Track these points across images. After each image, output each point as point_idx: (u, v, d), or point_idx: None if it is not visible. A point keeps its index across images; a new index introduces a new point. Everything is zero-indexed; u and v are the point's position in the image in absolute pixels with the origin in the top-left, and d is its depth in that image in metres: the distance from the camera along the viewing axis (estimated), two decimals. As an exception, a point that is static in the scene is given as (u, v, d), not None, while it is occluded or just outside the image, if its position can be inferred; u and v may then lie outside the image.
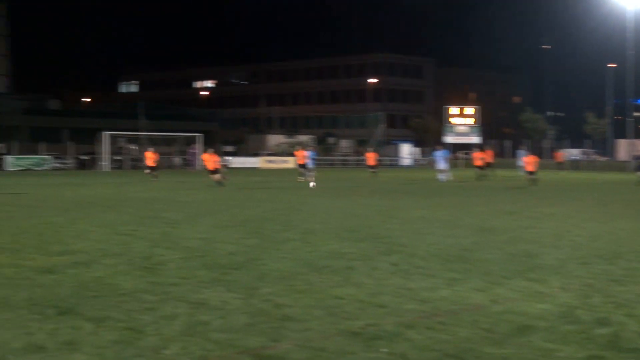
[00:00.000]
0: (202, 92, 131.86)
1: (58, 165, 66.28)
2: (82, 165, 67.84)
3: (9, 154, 67.89)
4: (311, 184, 33.78)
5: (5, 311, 8.21)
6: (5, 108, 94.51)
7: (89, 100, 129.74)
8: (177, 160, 72.97)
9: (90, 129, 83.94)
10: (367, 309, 8.50)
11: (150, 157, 40.93)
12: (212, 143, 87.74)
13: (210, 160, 35.25)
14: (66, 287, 9.56)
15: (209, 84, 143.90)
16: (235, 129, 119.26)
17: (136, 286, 9.65)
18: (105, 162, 65.48)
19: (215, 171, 34.65)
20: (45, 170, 62.50)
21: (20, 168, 62.96)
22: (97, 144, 69.08)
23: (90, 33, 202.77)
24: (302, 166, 41.20)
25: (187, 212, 20.84)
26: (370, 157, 48.97)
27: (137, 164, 70.48)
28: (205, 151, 35.74)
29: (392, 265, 11.42)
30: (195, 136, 70.73)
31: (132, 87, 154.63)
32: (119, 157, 70.69)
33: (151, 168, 40.73)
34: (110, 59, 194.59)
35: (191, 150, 68.16)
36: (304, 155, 41.53)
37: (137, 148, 76.45)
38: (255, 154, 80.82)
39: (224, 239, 14.48)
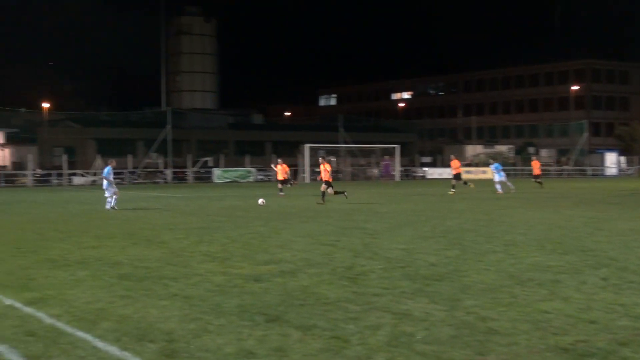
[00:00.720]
0: (399, 104, 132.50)
1: (261, 177, 68.70)
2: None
3: (217, 166, 71.27)
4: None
5: (218, 317, 8.56)
6: (213, 123, 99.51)
7: (290, 114, 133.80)
8: (375, 171, 73.77)
9: (292, 142, 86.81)
10: (577, 324, 8.16)
11: (279, 171, 38.97)
12: (409, 154, 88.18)
13: (325, 170, 31.85)
14: (273, 295, 9.84)
15: (406, 95, 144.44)
16: (432, 139, 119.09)
17: (340, 296, 9.78)
18: (305, 174, 67.16)
19: (329, 183, 31.40)
20: (250, 182, 64.90)
21: (227, 180, 65.86)
22: (298, 156, 71.05)
23: (291, 50, 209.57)
24: (457, 177, 40.02)
25: (387, 222, 20.95)
26: (535, 166, 47.39)
27: (336, 175, 71.94)
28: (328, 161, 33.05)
29: (602, 280, 10.91)
30: (393, 147, 71.21)
31: (332, 101, 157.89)
32: (319, 169, 72.33)
33: (282, 182, 38.75)
34: (310, 74, 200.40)
35: (384, 162, 68.61)
36: (458, 166, 40.40)
37: (336, 160, 78.02)
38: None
39: (424, 250, 14.42)
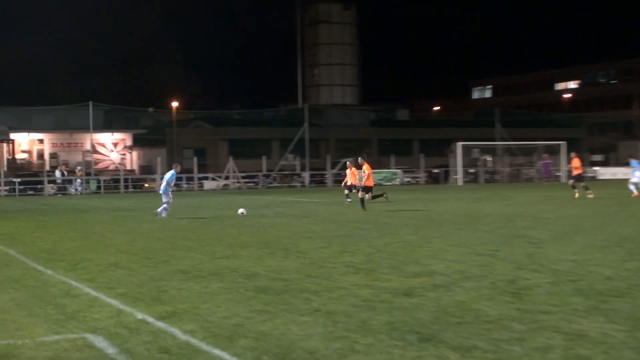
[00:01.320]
0: (564, 95, 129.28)
1: (408, 179, 68.40)
2: (433, 179, 69.50)
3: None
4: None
5: (365, 335, 8.56)
6: (354, 120, 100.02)
7: (439, 108, 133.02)
8: (537, 171, 72.21)
9: (441, 140, 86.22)
10: None
11: (349, 175, 37.14)
12: (578, 151, 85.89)
13: (369, 174, 30.97)
14: (426, 312, 9.76)
15: (573, 85, 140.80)
16: (604, 134, 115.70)
17: (502, 313, 9.60)
18: (458, 175, 66.43)
19: (367, 189, 30.66)
20: (395, 185, 64.53)
21: (369, 183, 65.86)
22: (449, 156, 70.42)
23: (440, 38, 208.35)
24: (578, 178, 38.12)
25: (554, 229, 20.47)
26: None
27: (492, 176, 70.83)
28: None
29: None
30: (558, 144, 69.53)
31: (486, 93, 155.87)
32: (473, 170, 71.42)
33: (349, 188, 36.85)
34: (461, 64, 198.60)
35: (543, 161, 66.98)
36: (579, 166, 38.38)
37: (492, 159, 76.89)
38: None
39: (599, 261, 13.99)
